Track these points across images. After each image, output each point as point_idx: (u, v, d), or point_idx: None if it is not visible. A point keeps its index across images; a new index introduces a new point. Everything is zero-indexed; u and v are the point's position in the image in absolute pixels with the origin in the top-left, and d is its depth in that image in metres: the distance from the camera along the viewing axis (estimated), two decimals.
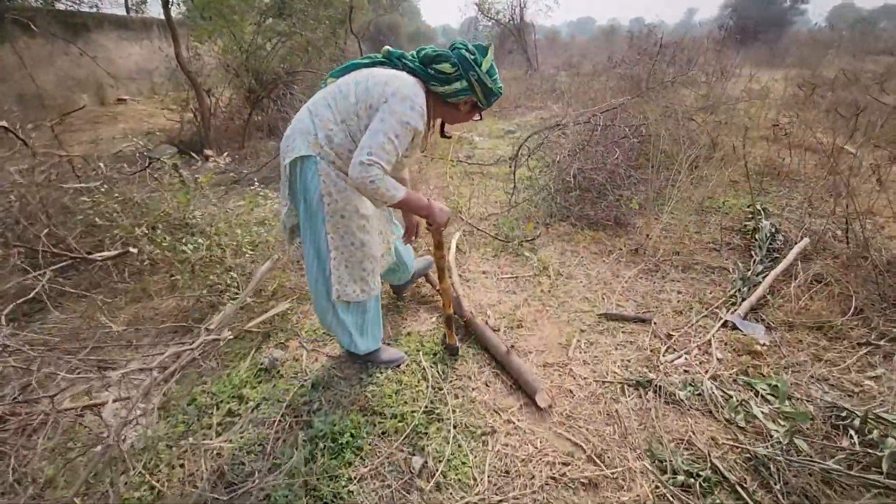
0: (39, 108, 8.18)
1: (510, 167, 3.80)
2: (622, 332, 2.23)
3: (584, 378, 1.93)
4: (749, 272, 2.56)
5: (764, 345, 2.06)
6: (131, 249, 2.19)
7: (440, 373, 1.97)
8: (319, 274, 1.74)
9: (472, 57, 1.56)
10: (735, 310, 2.30)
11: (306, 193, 1.60)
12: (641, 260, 2.88)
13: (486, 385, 1.92)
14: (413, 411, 1.74)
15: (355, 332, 1.88)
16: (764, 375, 1.89)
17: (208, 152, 5.70)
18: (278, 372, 1.99)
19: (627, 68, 5.78)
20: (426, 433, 1.66)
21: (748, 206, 3.38)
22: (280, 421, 1.73)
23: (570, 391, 1.86)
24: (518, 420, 1.73)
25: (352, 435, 1.63)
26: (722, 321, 2.24)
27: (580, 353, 2.09)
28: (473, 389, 1.89)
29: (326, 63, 6.17)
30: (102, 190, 2.54)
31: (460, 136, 5.85)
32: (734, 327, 2.19)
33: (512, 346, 2.09)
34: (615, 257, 2.94)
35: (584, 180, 3.59)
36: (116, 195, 2.69)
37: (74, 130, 7.21)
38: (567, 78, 9.60)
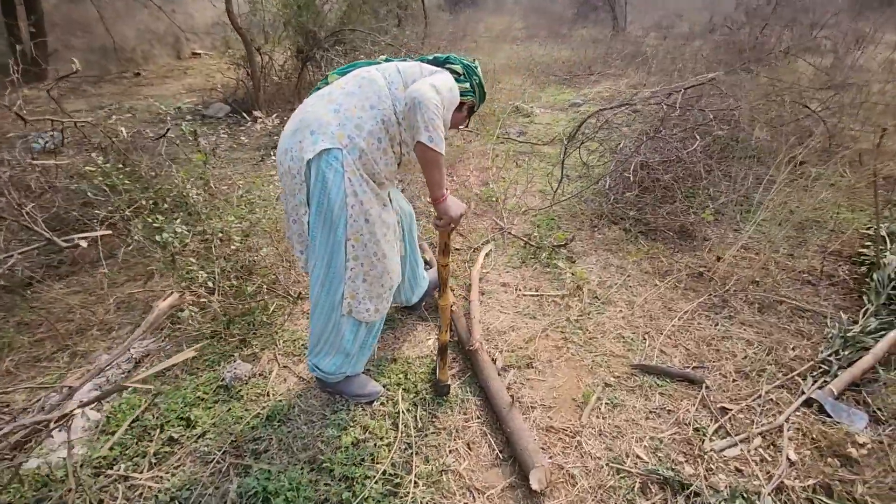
0: (121, 61, 8.58)
1: (566, 150, 3.23)
2: (660, 393, 1.73)
3: (596, 458, 1.50)
4: (856, 327, 1.90)
5: (864, 445, 1.48)
6: (104, 233, 2.03)
7: (417, 420, 1.63)
8: (327, 283, 1.50)
9: (473, 65, 1.62)
10: (826, 383, 1.70)
11: (327, 194, 1.38)
12: (706, 289, 2.29)
13: (469, 447, 1.54)
14: (367, 476, 1.42)
15: (354, 353, 1.62)
16: (857, 501, 1.34)
17: (257, 113, 5.60)
18: (238, 392, 1.75)
19: (728, 34, 4.75)
20: None
21: (868, 227, 2.59)
22: (219, 461, 1.49)
23: (572, 476, 1.44)
24: None
25: (286, 500, 1.34)
26: (804, 397, 1.66)
27: (598, 417, 1.64)
28: (451, 452, 1.53)
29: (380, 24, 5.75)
30: (101, 161, 2.39)
31: (517, 107, 5.23)
32: (821, 410, 1.62)
33: (512, 397, 1.69)
34: (671, 281, 2.36)
35: (648, 177, 2.94)
36: (120, 166, 2.54)
37: (144, 85, 7.46)
38: (656, 42, 8.35)
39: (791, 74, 4.24)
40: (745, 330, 2.04)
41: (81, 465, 1.47)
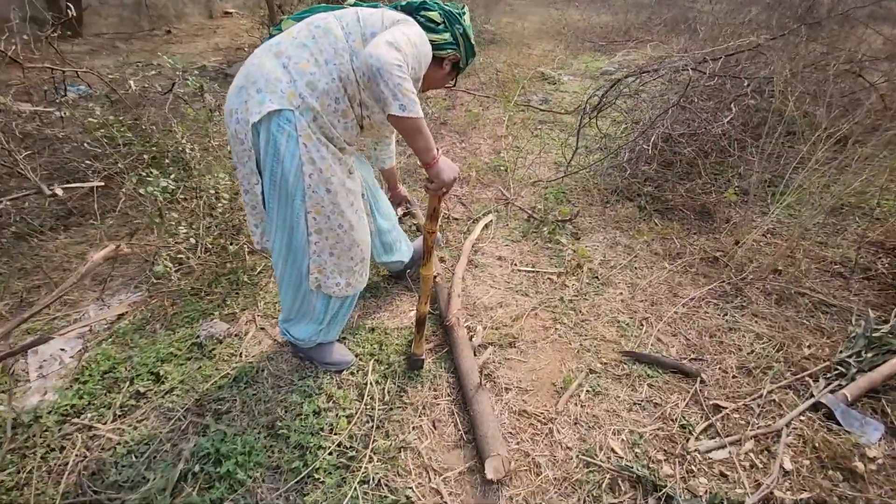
0: (153, 18, 8.62)
1: (583, 118, 2.99)
2: (649, 384, 1.59)
3: (567, 448, 1.39)
4: (885, 327, 1.68)
5: (874, 459, 1.31)
6: (96, 184, 2.01)
7: (384, 393, 1.56)
8: (290, 258, 1.41)
9: (456, 11, 1.40)
10: (841, 387, 1.52)
11: (280, 161, 1.24)
12: (719, 275, 2.09)
13: (433, 426, 1.47)
14: (321, 446, 1.37)
15: (325, 323, 1.55)
16: None
17: None
18: (211, 350, 1.73)
19: None
20: (322, 483, 1.30)
21: None
22: (181, 418, 1.48)
23: (538, 465, 1.35)
24: (449, 493, 1.28)
25: (237, 463, 1.31)
26: (812, 401, 1.49)
27: (576, 405, 1.53)
28: (414, 429, 1.46)
29: None
30: (98, 112, 2.37)
31: (543, 73, 4.93)
32: (830, 416, 1.45)
33: (487, 376, 1.60)
34: (682, 265, 2.17)
35: (670, 150, 2.70)
36: (121, 119, 2.52)
37: (174, 42, 7.48)
38: (706, 6, 7.67)
39: (850, 42, 3.77)
40: (756, 322, 1.85)
41: (50, 412, 1.49)
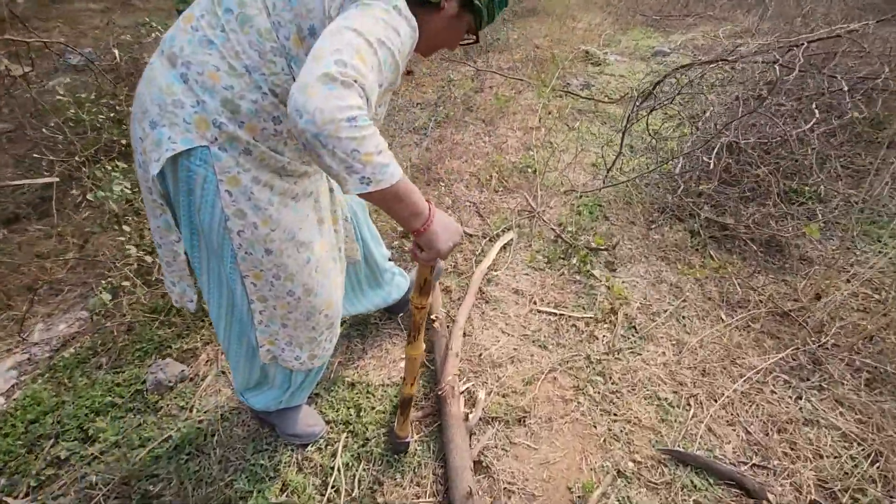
0: None
1: (631, 113, 2.50)
2: (695, 500, 1.22)
3: None
4: None
5: None
6: (52, 180, 1.71)
7: (355, 483, 1.24)
8: (234, 328, 1.09)
9: None
10: None
11: (198, 215, 0.89)
12: (792, 338, 1.66)
13: None
14: None
15: (289, 393, 1.24)
16: None
17: None
18: (157, 402, 1.44)
19: None
20: None
21: None
22: (101, 501, 1.20)
23: None
24: None
25: None
26: None
27: None
28: None
29: None
30: (61, 90, 2.05)
31: (587, 52, 4.34)
32: None
33: (484, 470, 1.25)
34: (744, 318, 1.74)
35: (736, 163, 2.21)
36: (93, 97, 2.20)
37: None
38: None
39: None
40: (840, 414, 1.43)
41: None
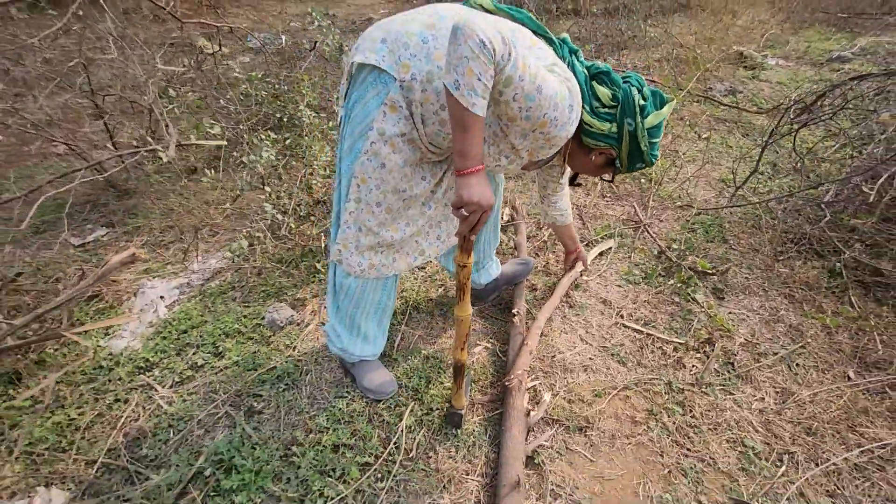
0: None
1: (779, 124, 2.19)
2: None
3: None
4: None
5: None
6: (222, 143, 2.10)
7: (414, 446, 1.36)
8: (335, 215, 1.35)
9: (642, 103, 1.11)
10: None
11: (359, 110, 1.14)
12: None
13: None
14: (322, 493, 1.23)
15: (338, 320, 1.45)
16: None
17: None
18: (269, 337, 1.72)
19: None
20: None
21: None
22: (219, 406, 1.49)
23: None
24: None
25: (243, 481, 1.26)
26: None
27: None
28: None
29: None
30: (239, 70, 2.47)
31: (740, 54, 3.87)
32: None
33: (535, 467, 1.28)
34: (881, 382, 1.47)
35: None
36: (261, 76, 2.61)
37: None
38: None
39: None
40: None
41: (129, 360, 1.63)
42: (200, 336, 1.72)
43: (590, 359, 1.60)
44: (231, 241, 2.18)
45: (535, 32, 1.13)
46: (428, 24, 1.05)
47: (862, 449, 1.31)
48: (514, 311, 1.66)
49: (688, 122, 2.96)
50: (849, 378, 1.51)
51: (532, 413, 1.37)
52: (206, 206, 2.38)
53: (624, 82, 1.14)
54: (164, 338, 1.73)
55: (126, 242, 2.19)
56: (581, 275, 1.90)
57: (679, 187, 2.40)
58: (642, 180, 2.45)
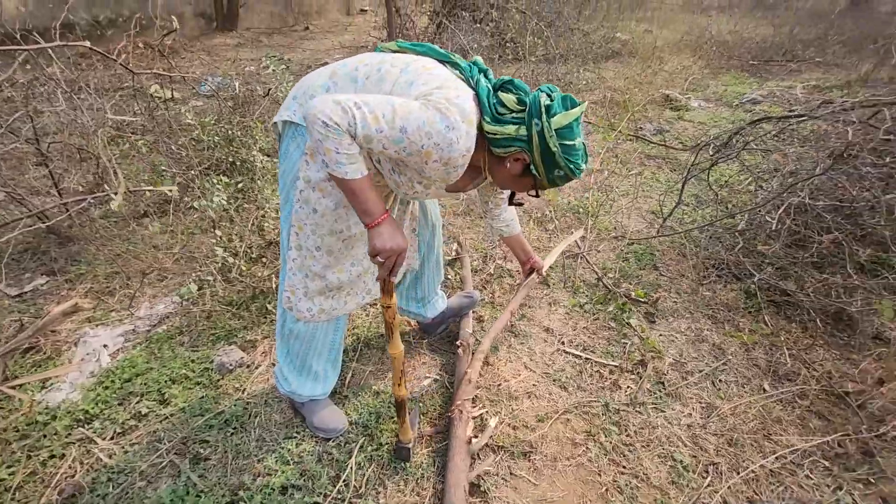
0: (298, 14, 9.43)
1: (695, 161, 2.45)
2: None
3: None
4: None
5: None
6: (169, 191, 2.12)
7: (363, 482, 1.38)
8: (282, 263, 1.39)
9: (548, 103, 1.06)
10: None
11: (284, 165, 1.25)
12: (843, 422, 1.52)
13: None
14: None
15: (287, 362, 1.48)
16: None
17: None
18: (218, 380, 1.71)
19: None
20: None
21: None
22: (164, 455, 1.46)
23: None
24: None
25: None
26: None
27: None
28: None
29: None
30: (191, 117, 2.52)
31: (667, 96, 4.28)
32: None
33: (481, 495, 1.32)
34: (791, 392, 1.63)
35: (806, 227, 2.07)
36: (214, 121, 2.67)
37: (308, 38, 8.08)
38: None
39: None
40: None
41: (67, 413, 1.58)
42: (145, 384, 1.69)
43: (533, 385, 1.69)
44: (180, 285, 2.16)
45: (440, 60, 1.19)
46: (331, 73, 1.15)
47: (776, 455, 1.44)
48: (459, 342, 1.73)
49: (621, 160, 3.22)
50: (764, 390, 1.65)
51: (474, 440, 1.42)
52: (154, 251, 2.36)
53: (536, 90, 1.14)
54: (107, 388, 1.68)
55: (68, 291, 2.13)
56: (538, 281, 1.90)
57: (613, 219, 2.60)
58: (581, 213, 2.64)
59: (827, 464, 1.41)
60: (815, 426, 1.53)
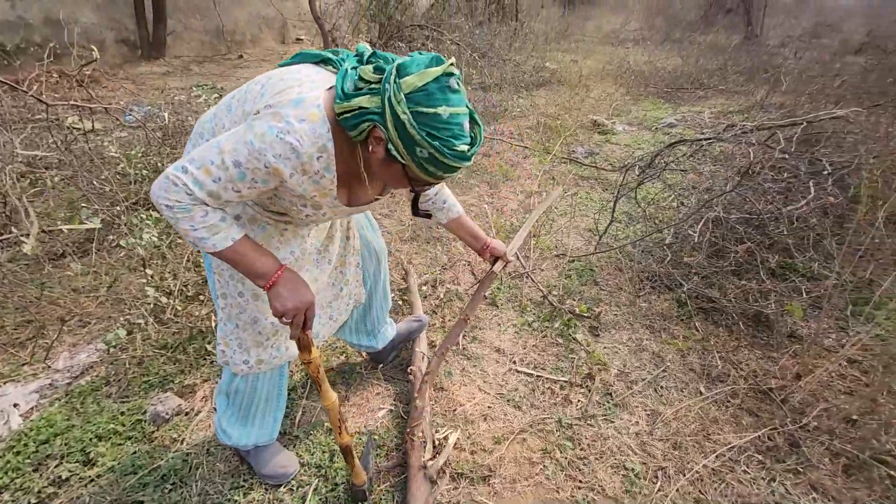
0: (230, 43, 9.22)
1: (623, 182, 2.64)
2: None
3: None
4: None
5: None
6: (91, 225, 1.95)
7: None
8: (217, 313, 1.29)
9: (402, 62, 0.88)
10: None
11: None
12: (770, 416, 1.66)
13: None
14: None
15: (228, 415, 1.38)
16: None
17: None
18: (153, 433, 1.57)
19: (879, 57, 3.68)
20: None
21: None
22: None
23: None
24: None
25: None
26: None
27: None
28: None
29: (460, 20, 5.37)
30: (113, 150, 2.37)
31: (594, 121, 4.59)
32: None
33: None
34: (723, 392, 1.75)
35: (724, 238, 2.28)
36: (135, 153, 2.52)
37: (243, 67, 7.90)
38: (797, 55, 6.98)
39: None
40: (814, 500, 1.40)
41: None
42: (66, 444, 1.52)
43: (489, 407, 1.70)
44: (105, 330, 1.99)
45: (315, 62, 1.05)
46: (217, 105, 1.10)
47: (717, 454, 1.53)
48: (410, 368, 1.72)
49: (557, 181, 3.40)
50: (701, 393, 1.77)
51: (429, 464, 1.39)
52: (74, 294, 2.16)
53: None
54: (18, 453, 1.49)
55: None
56: (504, 269, 1.58)
57: (554, 238, 2.72)
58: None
59: (760, 457, 1.53)
60: (747, 423, 1.65)
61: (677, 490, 1.43)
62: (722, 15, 10.95)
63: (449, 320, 2.10)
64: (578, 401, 1.73)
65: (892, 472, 1.45)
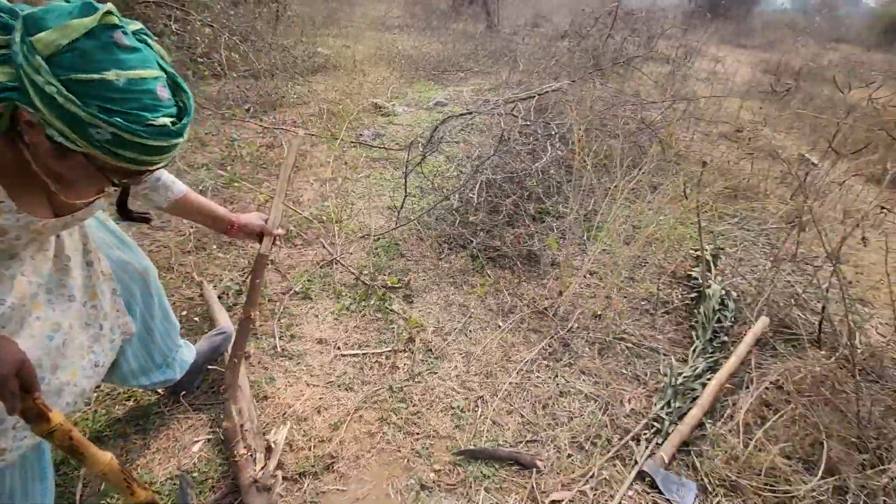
0: None
1: (409, 159, 2.84)
2: (486, 488, 1.42)
3: None
4: (685, 373, 1.80)
5: None
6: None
7: None
8: None
9: (28, 14, 0.65)
10: (659, 447, 1.54)
11: None
12: (548, 330, 2.07)
13: None
14: None
15: None
16: None
17: None
18: None
19: (579, 40, 4.80)
20: None
21: (696, 249, 2.62)
22: None
23: None
24: None
25: None
26: (636, 470, 1.47)
27: None
28: None
29: None
30: None
31: (377, 104, 4.74)
32: (653, 485, 1.44)
33: None
34: (514, 321, 2.11)
35: (496, 196, 2.69)
36: None
37: None
38: (525, 41, 8.46)
39: (635, 84, 4.39)
40: (583, 380, 1.84)
41: None
42: None
43: (320, 399, 1.67)
44: None
45: None
46: None
47: (517, 370, 1.85)
48: (222, 388, 1.56)
49: (351, 166, 3.43)
50: (499, 327, 2.09)
51: (262, 472, 1.31)
52: None
53: None
54: None
55: None
56: (275, 243, 1.41)
57: (357, 221, 2.77)
58: (326, 222, 2.70)
59: (546, 363, 1.91)
60: (533, 339, 2.03)
61: (493, 409, 1.68)
62: (467, 5, 12.47)
63: (260, 325, 1.95)
64: (404, 364, 1.84)
65: (628, 346, 1.99)
